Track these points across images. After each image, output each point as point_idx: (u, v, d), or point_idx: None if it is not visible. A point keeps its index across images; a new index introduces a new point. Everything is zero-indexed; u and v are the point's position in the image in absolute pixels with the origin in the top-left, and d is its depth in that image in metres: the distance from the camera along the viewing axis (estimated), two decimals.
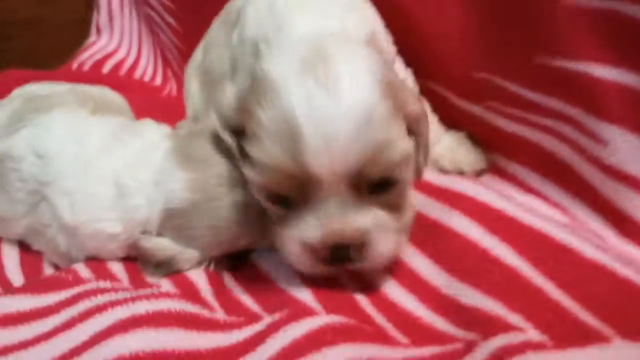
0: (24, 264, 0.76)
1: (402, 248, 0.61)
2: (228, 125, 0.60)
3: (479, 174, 0.76)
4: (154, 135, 0.71)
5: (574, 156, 0.64)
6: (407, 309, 0.57)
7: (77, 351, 0.51)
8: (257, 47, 0.63)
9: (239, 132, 0.57)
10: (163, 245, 0.65)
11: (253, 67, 0.58)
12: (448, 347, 0.49)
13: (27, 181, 0.69)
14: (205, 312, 0.58)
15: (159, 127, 0.74)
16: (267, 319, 0.56)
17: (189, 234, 0.65)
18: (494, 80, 0.71)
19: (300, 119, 0.50)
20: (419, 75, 0.79)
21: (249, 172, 0.55)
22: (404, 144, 0.54)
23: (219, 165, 0.64)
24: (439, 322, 0.54)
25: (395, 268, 0.61)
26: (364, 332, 0.53)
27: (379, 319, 0.57)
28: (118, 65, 1.57)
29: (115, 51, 1.62)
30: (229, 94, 0.60)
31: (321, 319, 0.54)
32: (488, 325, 0.49)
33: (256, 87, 0.55)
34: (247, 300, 0.63)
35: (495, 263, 0.55)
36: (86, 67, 1.54)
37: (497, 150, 0.76)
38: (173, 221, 0.64)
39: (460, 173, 0.75)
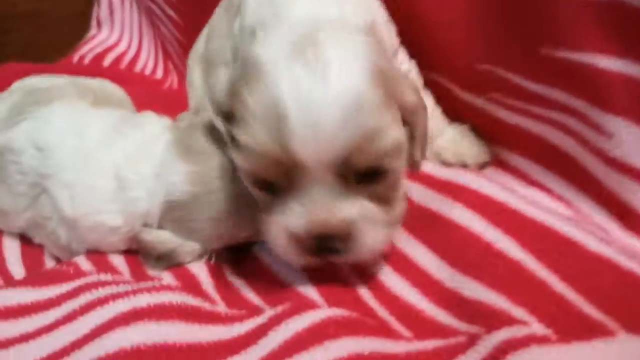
0: (25, 257, 0.76)
1: (392, 241, 0.60)
2: (220, 110, 0.59)
3: (482, 166, 0.76)
4: (154, 128, 0.71)
5: (578, 148, 0.64)
6: (410, 302, 0.57)
7: (78, 344, 0.51)
8: (254, 33, 0.62)
9: (230, 118, 0.56)
10: (164, 238, 0.65)
11: (246, 51, 0.57)
12: (451, 341, 0.49)
13: (27, 174, 0.69)
14: (206, 305, 0.58)
15: (159, 119, 0.74)
16: (269, 312, 0.55)
17: (189, 226, 0.64)
18: (497, 71, 0.70)
19: (287, 103, 0.49)
20: (422, 66, 0.78)
21: (236, 157, 0.54)
22: (395, 134, 0.52)
23: (220, 157, 0.64)
24: (442, 316, 0.54)
25: (397, 261, 0.61)
26: (366, 325, 0.53)
27: (382, 312, 0.56)
28: (119, 59, 1.56)
29: (115, 44, 1.62)
30: (222, 78, 0.59)
31: (323, 312, 0.53)
32: (491, 319, 0.49)
33: (246, 71, 0.54)
34: (248, 293, 0.63)
35: (499, 256, 0.54)
36: (87, 61, 1.53)
37: (500, 143, 0.75)
38: (173, 213, 0.64)
39: (464, 166, 0.75)
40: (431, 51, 0.79)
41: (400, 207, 0.60)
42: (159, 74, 1.55)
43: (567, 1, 0.59)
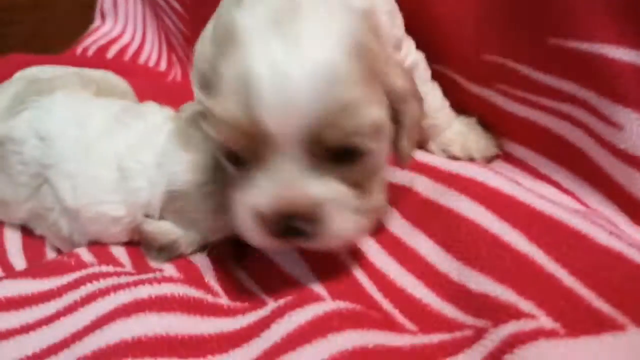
0: (26, 248, 0.76)
1: (365, 232, 0.57)
2: (198, 79, 0.57)
3: (489, 160, 0.75)
4: (156, 118, 0.70)
5: (587, 141, 0.63)
6: (415, 295, 0.56)
7: (79, 335, 0.51)
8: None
9: (209, 87, 0.54)
10: (165, 229, 0.65)
11: (228, 14, 0.55)
12: (457, 334, 0.48)
13: (29, 164, 0.69)
14: (209, 297, 0.58)
15: (161, 109, 0.73)
16: (272, 305, 0.55)
17: (191, 217, 0.64)
18: (506, 62, 0.69)
19: (258, 71, 0.47)
20: (429, 58, 0.77)
21: (207, 128, 0.52)
22: (373, 113, 0.50)
23: None
24: (448, 309, 0.53)
25: (402, 254, 0.60)
26: (370, 318, 0.52)
27: (386, 305, 0.56)
28: (122, 51, 1.56)
29: (119, 36, 1.62)
30: (206, 43, 0.58)
31: (327, 305, 0.53)
32: (499, 312, 0.48)
33: (224, 38, 0.52)
34: (251, 286, 0.62)
35: (506, 249, 0.53)
36: (90, 52, 1.53)
37: (507, 135, 0.75)
38: (175, 204, 0.64)
39: (471, 159, 0.74)
40: (438, 43, 0.79)
41: (378, 197, 0.57)
42: (163, 66, 1.55)
43: None
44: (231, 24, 0.52)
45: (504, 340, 0.43)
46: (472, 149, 0.74)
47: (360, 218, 0.53)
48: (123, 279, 0.58)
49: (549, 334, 0.43)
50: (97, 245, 0.69)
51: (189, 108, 0.74)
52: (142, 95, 0.91)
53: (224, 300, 0.59)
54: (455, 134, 0.76)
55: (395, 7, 0.71)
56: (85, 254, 0.67)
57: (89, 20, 1.68)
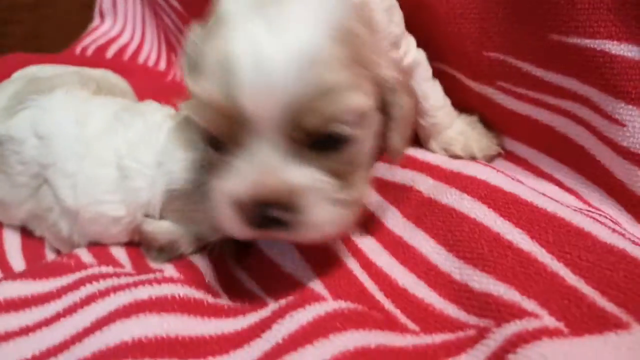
0: (25, 250, 0.76)
1: (346, 225, 0.54)
2: (188, 64, 0.56)
3: (491, 159, 0.75)
4: (156, 116, 0.70)
5: (589, 138, 0.63)
6: (417, 295, 0.55)
7: (78, 337, 0.51)
8: None
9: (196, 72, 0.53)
10: (165, 229, 0.64)
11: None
12: (460, 334, 0.48)
13: (28, 164, 0.69)
14: (209, 298, 0.57)
15: (161, 108, 0.73)
16: (273, 305, 0.55)
17: (191, 216, 0.64)
18: (506, 59, 0.69)
19: (239, 52, 0.47)
20: (429, 56, 0.77)
21: (188, 109, 0.51)
22: (356, 99, 0.49)
23: None
24: (450, 309, 0.53)
25: (404, 253, 0.60)
26: (372, 318, 0.51)
27: (388, 305, 0.55)
28: (122, 50, 1.56)
29: (118, 35, 1.61)
30: (197, 28, 0.57)
31: (329, 305, 0.52)
32: (502, 312, 0.48)
33: (211, 22, 0.52)
34: (252, 286, 0.62)
35: (509, 248, 0.53)
36: (89, 52, 1.53)
37: (509, 133, 0.74)
38: (175, 203, 0.64)
39: (473, 158, 0.73)
40: (439, 41, 0.78)
41: (361, 190, 0.55)
42: (162, 65, 1.55)
43: None
44: (219, 7, 0.51)
45: (508, 340, 0.42)
46: (473, 148, 0.74)
47: (342, 210, 0.52)
48: (123, 280, 0.57)
49: (553, 333, 0.42)
50: (97, 246, 0.69)
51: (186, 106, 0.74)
52: (142, 95, 0.91)
53: (224, 300, 0.59)
54: (457, 133, 0.75)
55: (394, 4, 0.70)
56: (85, 255, 0.67)
57: (89, 19, 1.68)
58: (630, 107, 0.56)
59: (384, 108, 0.55)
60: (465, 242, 0.57)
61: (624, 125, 0.57)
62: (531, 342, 0.41)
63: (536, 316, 0.46)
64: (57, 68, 0.85)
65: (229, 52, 0.47)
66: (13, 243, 0.76)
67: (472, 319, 0.50)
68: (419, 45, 0.75)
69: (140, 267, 0.65)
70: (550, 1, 0.60)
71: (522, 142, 0.73)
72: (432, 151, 0.77)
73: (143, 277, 0.59)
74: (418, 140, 0.79)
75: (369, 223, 0.66)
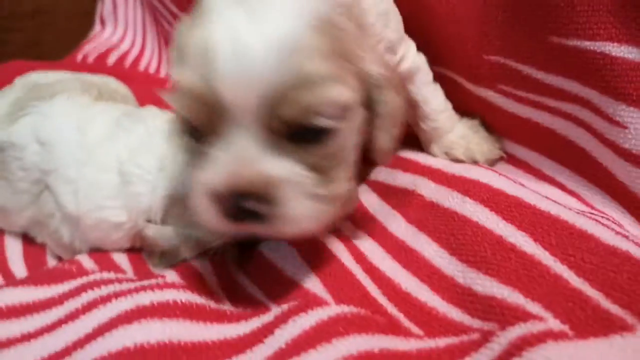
0: (27, 256, 0.76)
1: (326, 222, 0.53)
2: (175, 55, 0.55)
3: (493, 163, 0.74)
4: (157, 122, 0.70)
5: (590, 141, 0.62)
6: (420, 299, 0.55)
7: (80, 343, 0.50)
8: None
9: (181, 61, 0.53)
10: (166, 234, 0.64)
11: None
12: (464, 338, 0.48)
13: (29, 170, 0.69)
14: (211, 303, 0.57)
15: (162, 113, 0.73)
16: (276, 310, 0.54)
17: (192, 221, 0.63)
18: (507, 62, 0.69)
19: (217, 40, 0.47)
20: (430, 60, 0.77)
21: (168, 99, 0.51)
22: (337, 90, 0.48)
23: None
24: (454, 312, 0.52)
25: (407, 257, 0.60)
26: (376, 322, 0.51)
27: (391, 309, 0.55)
28: (123, 57, 1.56)
29: (119, 42, 1.62)
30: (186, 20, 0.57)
31: (331, 310, 0.52)
32: (506, 315, 0.47)
33: (195, 11, 0.52)
34: (254, 291, 0.62)
35: (512, 251, 0.53)
36: (90, 59, 1.53)
37: (510, 136, 0.74)
38: (176, 208, 0.63)
39: (474, 162, 0.73)
40: (439, 44, 0.78)
41: (342, 186, 0.54)
42: (163, 72, 1.55)
43: None
44: None
45: (512, 343, 0.42)
46: (475, 152, 0.73)
47: (321, 206, 0.51)
48: (125, 286, 0.57)
49: (558, 336, 0.42)
50: (99, 252, 0.69)
51: None
52: (143, 101, 0.91)
53: (226, 306, 0.58)
54: (458, 137, 0.75)
55: (391, 9, 0.70)
56: (86, 261, 0.67)
57: (89, 27, 1.68)
58: (631, 109, 0.56)
59: (370, 105, 0.55)
60: (468, 246, 0.56)
61: (625, 128, 0.57)
62: (536, 345, 0.41)
63: (541, 319, 0.45)
64: (58, 74, 0.86)
65: (209, 40, 0.47)
66: (15, 250, 0.76)
67: (476, 323, 0.50)
68: (419, 49, 0.75)
69: (141, 272, 0.65)
70: (550, 4, 0.60)
71: (523, 145, 0.73)
72: (434, 155, 0.76)
73: (145, 282, 0.58)
74: (419, 144, 0.78)
75: (370, 227, 0.66)
